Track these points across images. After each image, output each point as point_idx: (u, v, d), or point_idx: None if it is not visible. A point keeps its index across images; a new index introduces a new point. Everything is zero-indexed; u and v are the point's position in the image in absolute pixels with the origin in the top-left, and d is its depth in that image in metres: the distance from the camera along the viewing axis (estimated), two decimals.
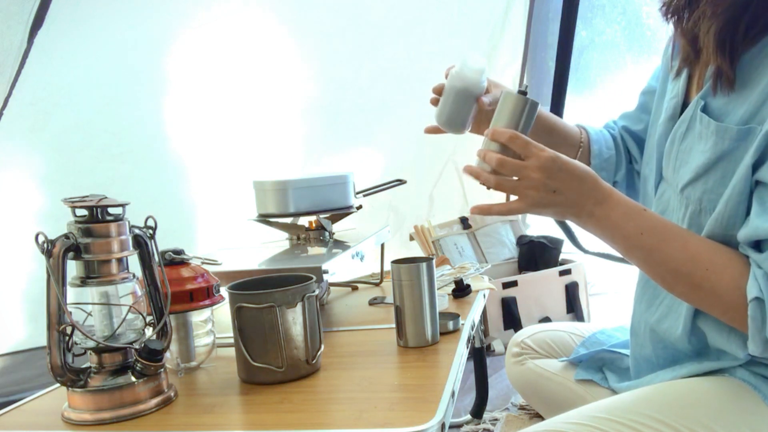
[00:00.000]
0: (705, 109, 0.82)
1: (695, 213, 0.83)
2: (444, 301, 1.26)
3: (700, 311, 0.84)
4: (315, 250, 1.31)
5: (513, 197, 0.84)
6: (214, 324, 1.03)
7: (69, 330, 0.81)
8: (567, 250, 2.74)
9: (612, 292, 2.75)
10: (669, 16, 0.88)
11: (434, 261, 1.05)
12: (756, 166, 0.76)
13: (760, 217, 0.75)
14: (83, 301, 0.84)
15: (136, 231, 0.87)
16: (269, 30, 2.22)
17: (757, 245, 0.76)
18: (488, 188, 0.86)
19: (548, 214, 0.84)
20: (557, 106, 2.77)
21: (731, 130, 0.77)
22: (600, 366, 1.12)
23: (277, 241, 1.47)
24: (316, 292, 0.94)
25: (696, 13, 0.82)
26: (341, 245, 1.30)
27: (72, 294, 0.82)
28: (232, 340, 0.91)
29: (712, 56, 0.80)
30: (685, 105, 0.90)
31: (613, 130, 1.14)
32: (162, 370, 0.87)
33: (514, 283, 2.46)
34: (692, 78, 0.90)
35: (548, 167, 0.80)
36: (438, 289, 1.41)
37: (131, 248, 0.86)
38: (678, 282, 0.80)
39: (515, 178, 0.82)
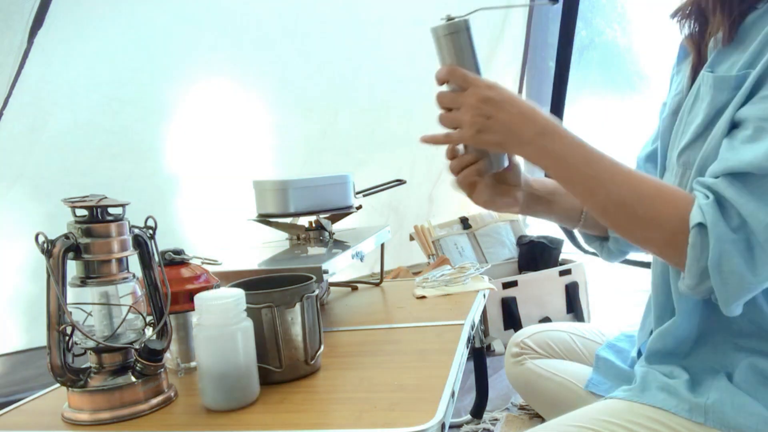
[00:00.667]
0: None
1: (692, 177, 0.82)
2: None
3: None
4: (315, 250, 1.31)
5: None
6: None
7: (69, 330, 0.81)
8: (567, 250, 2.74)
9: (612, 292, 2.75)
10: (677, 20, 0.89)
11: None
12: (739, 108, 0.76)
13: (729, 151, 0.75)
14: (83, 301, 0.84)
15: (136, 231, 0.87)
16: (269, 29, 2.22)
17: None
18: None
19: (488, 144, 0.83)
20: (557, 106, 2.77)
21: (728, 80, 0.77)
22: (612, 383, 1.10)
23: (277, 241, 1.47)
24: (316, 292, 0.94)
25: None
26: (341, 245, 1.30)
27: (72, 294, 0.82)
28: None
29: (716, 16, 0.81)
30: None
31: None
32: (162, 370, 0.87)
33: (514, 283, 2.46)
34: (695, 75, 0.90)
35: (484, 94, 0.81)
36: (446, 285, 1.41)
37: (131, 248, 0.86)
38: (621, 214, 0.79)
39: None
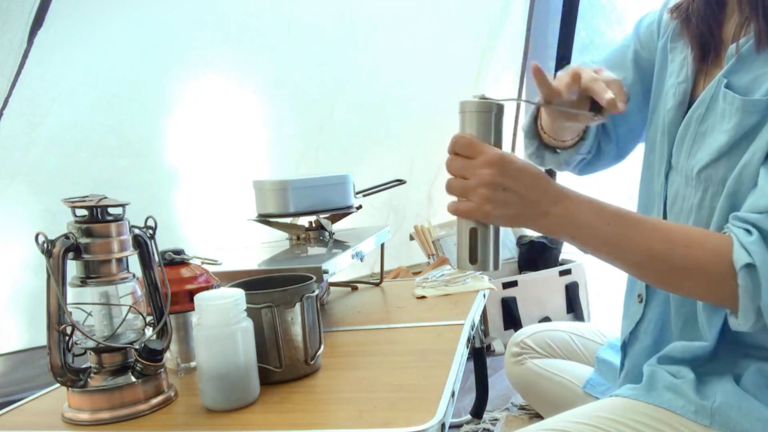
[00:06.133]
0: (728, 88, 0.80)
1: (716, 195, 0.80)
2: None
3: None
4: (315, 250, 1.31)
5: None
6: None
7: (69, 330, 0.81)
8: (567, 250, 2.74)
9: (612, 292, 2.75)
10: (680, 17, 0.88)
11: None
12: None
13: None
14: (83, 301, 0.84)
15: (136, 231, 0.86)
16: (266, 27, 2.22)
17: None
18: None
19: (501, 218, 0.75)
20: None
21: (759, 103, 0.75)
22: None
23: (277, 241, 1.47)
24: (316, 292, 0.94)
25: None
26: (341, 245, 1.30)
27: (72, 294, 0.82)
28: None
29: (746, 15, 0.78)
30: (693, 91, 0.88)
31: None
32: (162, 370, 0.87)
33: (514, 283, 2.46)
34: (700, 65, 0.89)
35: (496, 163, 0.73)
36: (446, 285, 1.41)
37: (131, 248, 0.86)
38: (656, 266, 0.76)
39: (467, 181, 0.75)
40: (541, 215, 0.75)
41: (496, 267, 0.79)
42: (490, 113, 0.77)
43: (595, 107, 0.83)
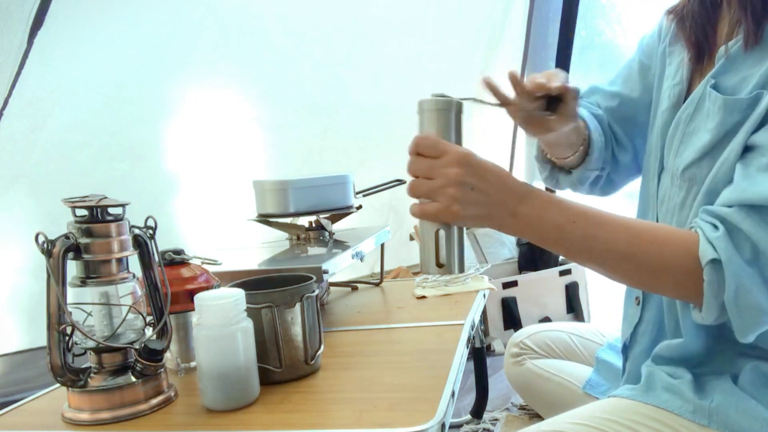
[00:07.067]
0: (715, 88, 0.81)
1: (698, 193, 0.81)
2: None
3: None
4: (315, 250, 1.31)
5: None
6: None
7: (69, 330, 0.81)
8: None
9: (612, 292, 2.75)
10: (673, 18, 0.89)
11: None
12: (753, 133, 0.75)
13: (745, 180, 0.73)
14: (83, 301, 0.84)
15: (136, 231, 0.87)
16: (268, 29, 2.22)
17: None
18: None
19: (469, 219, 0.74)
20: None
21: (741, 102, 0.76)
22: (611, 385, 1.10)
23: (277, 241, 1.47)
24: (316, 292, 0.94)
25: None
26: (341, 245, 1.30)
27: (72, 294, 0.82)
28: None
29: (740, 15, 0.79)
30: (688, 92, 0.89)
31: (595, 110, 1.06)
32: (162, 370, 0.87)
33: (514, 283, 2.46)
34: (696, 66, 0.89)
35: (464, 162, 0.72)
36: (446, 285, 1.41)
37: (131, 248, 0.86)
38: (623, 264, 0.75)
39: (431, 181, 0.73)
40: (508, 215, 0.74)
41: (461, 269, 0.77)
42: (450, 111, 0.75)
43: (550, 107, 0.89)
